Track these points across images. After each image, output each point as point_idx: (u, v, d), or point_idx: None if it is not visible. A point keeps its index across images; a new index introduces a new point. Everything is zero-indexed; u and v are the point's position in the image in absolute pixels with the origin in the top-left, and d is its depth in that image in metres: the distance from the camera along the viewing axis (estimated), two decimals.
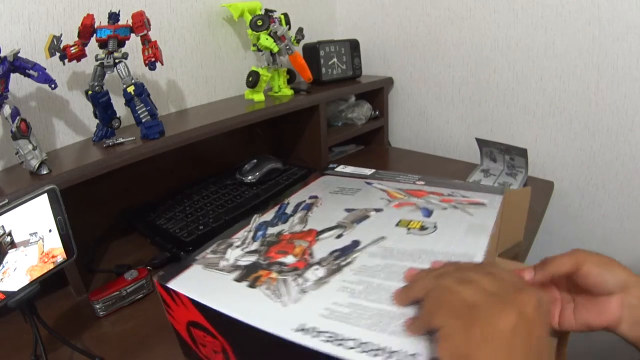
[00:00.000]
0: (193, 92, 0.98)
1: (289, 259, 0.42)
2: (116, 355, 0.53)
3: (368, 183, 0.61)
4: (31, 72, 0.62)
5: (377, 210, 0.51)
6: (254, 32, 0.93)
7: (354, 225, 0.48)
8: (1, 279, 0.45)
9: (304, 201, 0.56)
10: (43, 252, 0.49)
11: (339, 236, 0.46)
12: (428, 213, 0.50)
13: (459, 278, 0.31)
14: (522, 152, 0.91)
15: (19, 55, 0.61)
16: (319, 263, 0.41)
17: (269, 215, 0.53)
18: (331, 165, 0.68)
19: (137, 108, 0.73)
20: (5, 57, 0.60)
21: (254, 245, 0.46)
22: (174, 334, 0.45)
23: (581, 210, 1.01)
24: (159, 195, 0.87)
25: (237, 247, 0.46)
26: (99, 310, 0.60)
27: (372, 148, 1.25)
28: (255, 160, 0.93)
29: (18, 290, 0.46)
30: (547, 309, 0.30)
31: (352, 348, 0.30)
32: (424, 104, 1.20)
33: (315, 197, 0.57)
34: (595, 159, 0.96)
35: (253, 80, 0.95)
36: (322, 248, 0.44)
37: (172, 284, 0.40)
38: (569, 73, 0.94)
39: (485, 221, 0.47)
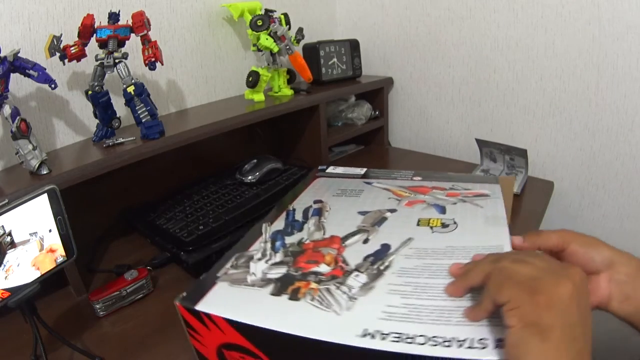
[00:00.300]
0: (193, 92, 0.98)
1: (323, 268, 0.42)
2: (116, 355, 0.53)
3: (367, 183, 0.61)
4: (31, 72, 0.62)
5: (391, 210, 0.52)
6: (254, 32, 0.93)
7: (376, 229, 0.48)
8: (5, 277, 0.45)
9: (310, 206, 0.55)
10: (43, 247, 0.49)
11: (366, 241, 0.46)
12: (442, 210, 0.51)
13: (514, 259, 0.34)
14: (522, 153, 0.91)
15: (19, 55, 0.61)
16: (357, 269, 0.41)
17: (279, 224, 0.52)
18: (321, 167, 0.67)
19: (137, 108, 0.73)
20: (5, 57, 0.60)
21: (278, 257, 0.45)
22: (197, 356, 0.42)
23: (581, 210, 1.01)
24: (159, 195, 0.87)
25: (259, 259, 0.44)
26: (99, 310, 0.60)
27: (372, 148, 1.25)
28: (255, 160, 0.93)
29: (23, 285, 0.46)
30: (586, 282, 0.33)
31: (423, 344, 0.31)
32: (424, 104, 1.20)
33: (320, 201, 0.56)
34: (595, 159, 0.96)
35: (253, 80, 0.95)
36: (354, 254, 0.43)
37: (202, 307, 0.37)
38: (569, 73, 0.94)
39: (497, 212, 0.49)
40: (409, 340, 0.32)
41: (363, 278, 0.39)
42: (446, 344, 0.31)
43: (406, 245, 0.44)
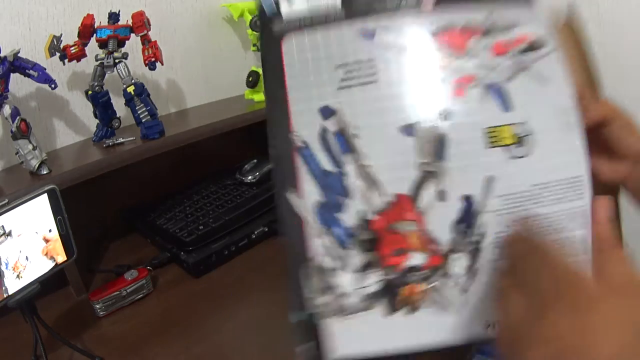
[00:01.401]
0: (193, 92, 0.98)
1: (417, 259, 0.32)
2: (116, 355, 0.53)
3: (367, 38, 0.34)
4: (31, 72, 0.62)
5: (445, 115, 0.33)
6: (254, 32, 0.93)
7: (444, 165, 0.32)
8: (18, 276, 0.45)
9: (326, 129, 0.34)
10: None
11: (442, 195, 0.32)
12: (504, 102, 0.33)
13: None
14: None
15: (19, 55, 0.61)
16: (453, 250, 0.32)
17: (311, 189, 0.35)
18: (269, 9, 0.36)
19: (137, 108, 0.73)
20: (5, 57, 0.60)
21: (355, 258, 0.33)
22: None
23: None
24: (159, 195, 0.87)
25: (334, 269, 0.33)
26: (99, 310, 0.60)
27: None
28: (255, 160, 0.93)
29: (29, 284, 0.46)
30: None
31: None
32: None
33: (331, 110, 0.34)
34: None
35: (253, 80, 0.95)
36: (437, 222, 0.32)
37: (344, 351, 0.32)
38: None
39: (562, 98, 0.34)
40: None
41: (464, 260, 0.32)
42: None
43: (491, 192, 0.32)
